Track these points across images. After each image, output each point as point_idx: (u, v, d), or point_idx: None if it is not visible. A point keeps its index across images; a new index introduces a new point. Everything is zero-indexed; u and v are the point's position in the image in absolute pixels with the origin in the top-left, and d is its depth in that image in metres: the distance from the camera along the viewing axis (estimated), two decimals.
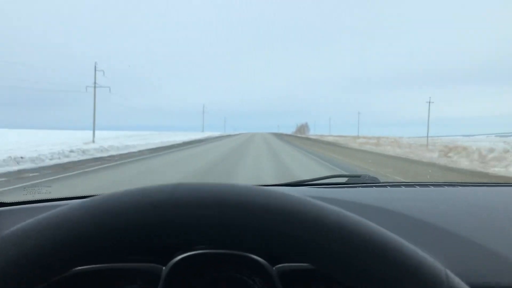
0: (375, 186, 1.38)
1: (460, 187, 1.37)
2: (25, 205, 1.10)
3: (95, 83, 37.38)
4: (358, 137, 58.12)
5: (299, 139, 51.21)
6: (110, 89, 39.04)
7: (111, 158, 12.87)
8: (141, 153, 15.85)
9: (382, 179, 1.55)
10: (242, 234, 0.35)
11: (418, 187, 1.35)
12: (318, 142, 38.42)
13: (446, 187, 1.36)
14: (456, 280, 0.35)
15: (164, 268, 0.79)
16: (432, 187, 1.35)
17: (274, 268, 0.78)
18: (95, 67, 37.51)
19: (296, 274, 0.79)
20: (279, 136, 66.18)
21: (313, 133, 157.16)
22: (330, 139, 51.76)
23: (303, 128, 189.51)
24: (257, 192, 0.37)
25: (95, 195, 1.48)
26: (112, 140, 32.56)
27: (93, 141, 31.09)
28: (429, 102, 36.40)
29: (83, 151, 12.66)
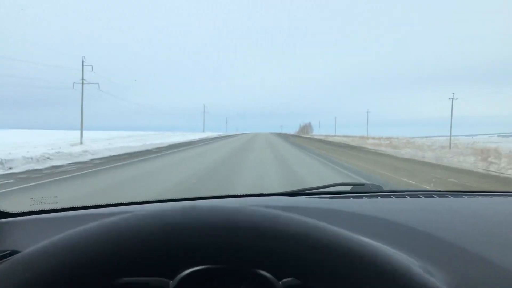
0: (380, 196, 1.38)
1: (465, 197, 1.37)
2: (33, 215, 1.13)
3: (82, 79, 34.25)
4: (367, 137, 54.72)
5: (308, 140, 47.28)
6: (99, 86, 35.92)
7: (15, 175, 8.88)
8: (80, 167, 10.97)
9: (386, 187, 1.55)
10: (247, 253, 0.39)
11: (422, 197, 1.35)
12: (331, 144, 33.60)
13: (451, 197, 1.36)
14: None
15: (171, 282, 0.77)
16: (436, 197, 1.35)
17: (280, 282, 0.76)
18: (82, 61, 34.38)
19: None
20: (284, 137, 60.14)
21: (317, 133, 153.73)
22: (338, 139, 48.40)
23: (306, 128, 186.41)
24: (263, 215, 0.41)
25: (106, 204, 1.33)
26: (101, 141, 29.86)
27: (81, 143, 28.36)
28: (452, 99, 32.87)
29: (2, 163, 9.22)
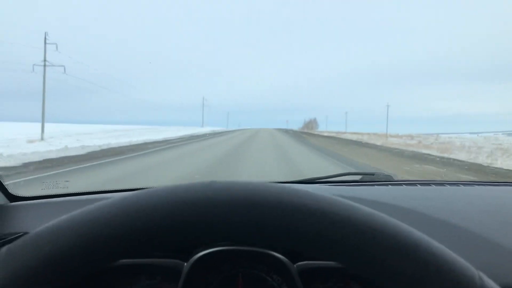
0: (391, 184, 1.36)
1: (476, 186, 1.36)
2: (44, 199, 1.15)
3: (45, 60, 27.41)
4: (386, 135, 47.66)
5: (329, 140, 39.76)
6: (64, 69, 29.20)
7: None
8: None
9: (396, 177, 1.50)
10: (266, 232, 0.35)
11: (434, 185, 1.33)
12: (373, 148, 23.83)
13: (462, 186, 1.35)
14: (491, 283, 0.34)
15: (185, 264, 0.81)
16: (448, 186, 1.33)
17: (295, 265, 0.80)
18: (45, 39, 27.45)
19: (316, 272, 0.81)
20: (293, 135, 48.36)
21: (323, 129, 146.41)
22: (356, 137, 41.36)
23: (311, 124, 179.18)
24: (286, 190, 0.37)
25: (124, 190, 1.34)
26: (69, 138, 24.01)
27: (42, 139, 22.05)
28: None
29: None
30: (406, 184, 1.34)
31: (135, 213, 0.35)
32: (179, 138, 28.53)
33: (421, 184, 1.34)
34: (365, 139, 37.87)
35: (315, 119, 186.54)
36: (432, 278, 0.33)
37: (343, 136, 48.74)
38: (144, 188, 0.40)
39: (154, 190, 0.38)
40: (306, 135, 48.36)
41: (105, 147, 16.58)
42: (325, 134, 61.39)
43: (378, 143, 30.70)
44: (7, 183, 1.20)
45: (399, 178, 1.50)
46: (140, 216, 0.35)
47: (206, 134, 42.64)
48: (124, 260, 0.80)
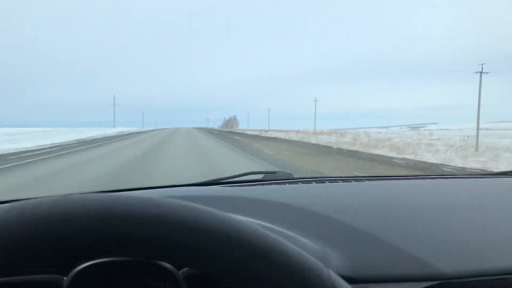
0: (288, 182, 1.41)
1: (366, 181, 1.43)
2: None
3: None
4: (315, 132, 45.30)
5: (258, 140, 35.78)
6: None
7: None
8: None
9: (296, 174, 1.55)
10: (143, 243, 0.37)
11: (327, 182, 1.39)
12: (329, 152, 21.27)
13: (354, 181, 1.41)
14: (338, 279, 0.38)
15: (65, 278, 0.78)
16: (340, 182, 1.39)
17: (180, 272, 0.81)
18: None
19: (200, 277, 0.83)
20: (219, 135, 43.53)
21: (245, 127, 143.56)
22: (283, 135, 38.10)
23: (231, 122, 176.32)
24: (155, 204, 0.39)
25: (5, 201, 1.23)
26: None
27: None
28: (481, 72, 23.70)
29: None
30: (302, 182, 1.39)
31: (2, 227, 0.34)
32: (58, 146, 21.69)
33: (316, 182, 1.39)
34: (294, 137, 35.02)
35: (235, 117, 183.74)
36: (283, 278, 0.37)
37: (269, 134, 45.44)
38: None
39: (20, 204, 0.37)
40: (238, 136, 40.31)
41: None
42: (249, 132, 57.78)
43: (313, 141, 27.92)
44: None
45: (298, 176, 1.54)
46: (6, 230, 0.34)
47: (108, 137, 36.10)
48: None
